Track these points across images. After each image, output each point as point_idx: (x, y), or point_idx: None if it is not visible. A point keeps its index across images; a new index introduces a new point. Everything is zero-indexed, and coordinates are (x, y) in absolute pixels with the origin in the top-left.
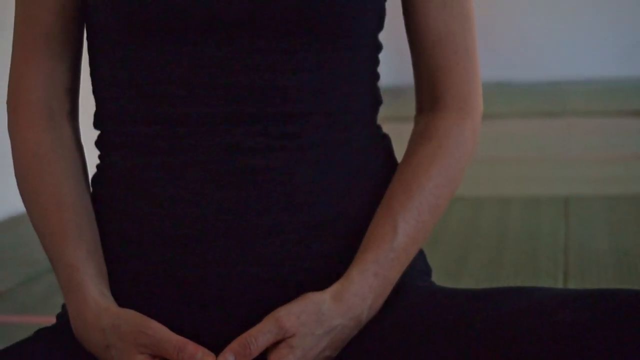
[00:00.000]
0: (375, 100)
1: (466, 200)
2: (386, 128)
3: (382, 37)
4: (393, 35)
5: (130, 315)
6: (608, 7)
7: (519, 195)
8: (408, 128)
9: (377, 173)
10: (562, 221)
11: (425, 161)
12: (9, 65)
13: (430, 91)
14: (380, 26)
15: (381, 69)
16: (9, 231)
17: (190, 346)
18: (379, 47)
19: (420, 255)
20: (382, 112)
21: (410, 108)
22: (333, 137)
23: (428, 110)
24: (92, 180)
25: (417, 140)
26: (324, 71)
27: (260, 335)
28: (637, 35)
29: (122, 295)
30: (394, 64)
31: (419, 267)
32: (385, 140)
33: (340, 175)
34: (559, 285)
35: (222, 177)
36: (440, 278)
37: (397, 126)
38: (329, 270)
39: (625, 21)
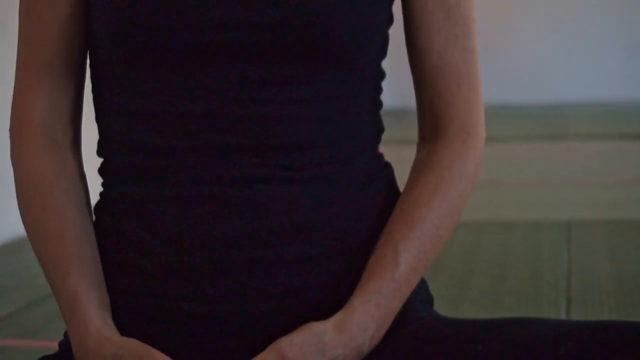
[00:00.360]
0: (377, 129)
1: (468, 225)
2: (389, 151)
3: (385, 59)
4: (396, 58)
5: (133, 345)
6: (611, 30)
7: (521, 220)
8: (411, 151)
9: (379, 203)
10: (564, 246)
11: (428, 191)
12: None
13: (434, 121)
14: (383, 54)
15: (384, 92)
16: (10, 255)
17: None
18: (382, 75)
19: (422, 285)
20: (385, 135)
21: (413, 131)
22: (335, 167)
23: (431, 139)
24: (94, 208)
25: (419, 169)
26: (326, 101)
27: None
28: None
29: (124, 325)
30: (397, 87)
31: (420, 296)
32: (387, 169)
33: (343, 205)
34: (562, 311)
35: (225, 208)
36: (441, 304)
37: (399, 149)
38: (331, 300)
39: (628, 44)
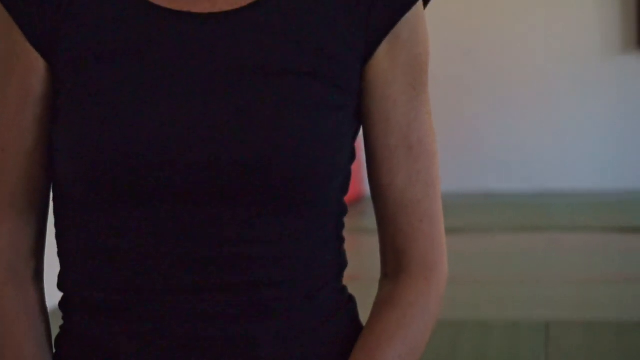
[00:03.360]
0: (340, 264)
1: (445, 324)
2: (365, 238)
3: (358, 144)
4: None
5: None
6: (595, 120)
7: (499, 319)
8: None
9: (342, 338)
10: (542, 348)
11: (389, 330)
12: None
13: (396, 257)
14: (345, 190)
15: (362, 179)
16: None
17: None
18: (344, 211)
19: None
20: (362, 223)
21: None
22: (297, 304)
23: (393, 276)
24: (55, 341)
25: (381, 307)
26: (287, 240)
27: None
28: (624, 148)
29: None
30: None
31: None
32: (350, 303)
33: (303, 341)
34: None
35: (187, 346)
36: None
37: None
38: None
39: (612, 135)
